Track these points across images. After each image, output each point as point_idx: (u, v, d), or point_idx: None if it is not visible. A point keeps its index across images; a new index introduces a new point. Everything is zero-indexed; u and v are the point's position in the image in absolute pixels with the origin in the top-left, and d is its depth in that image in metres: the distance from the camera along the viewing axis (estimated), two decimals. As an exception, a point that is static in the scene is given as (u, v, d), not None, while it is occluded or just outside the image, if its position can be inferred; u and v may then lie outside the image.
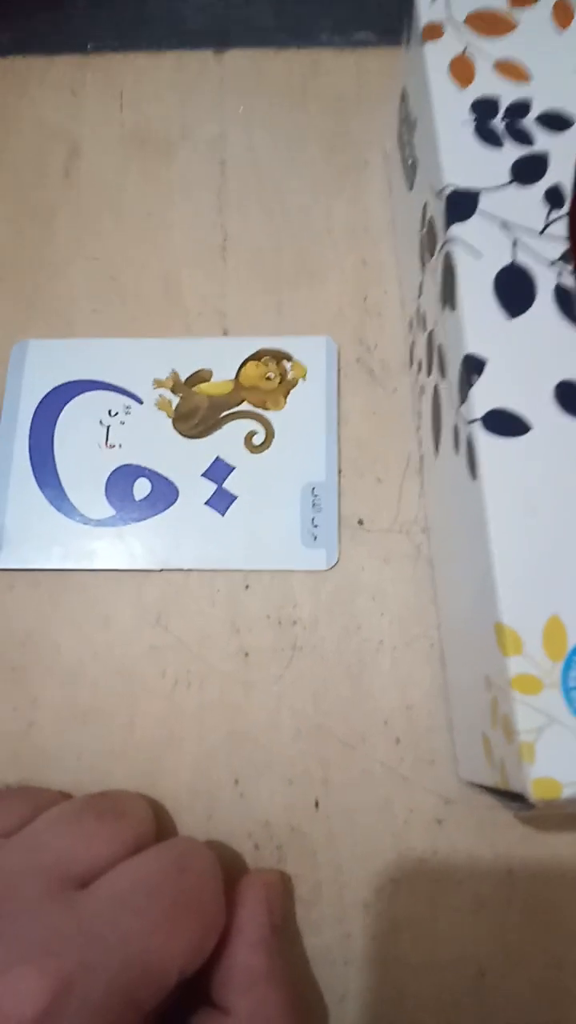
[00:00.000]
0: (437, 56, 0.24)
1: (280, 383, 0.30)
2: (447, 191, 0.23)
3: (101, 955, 0.19)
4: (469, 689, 0.22)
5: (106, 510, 0.29)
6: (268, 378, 0.30)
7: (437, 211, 0.24)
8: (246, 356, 0.30)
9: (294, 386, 0.30)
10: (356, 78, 0.35)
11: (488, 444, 0.20)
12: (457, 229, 0.22)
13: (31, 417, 0.30)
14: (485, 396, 0.20)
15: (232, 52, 0.36)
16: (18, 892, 0.20)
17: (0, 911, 0.19)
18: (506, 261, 0.22)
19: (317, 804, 0.25)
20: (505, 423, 0.20)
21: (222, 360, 0.31)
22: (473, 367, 0.21)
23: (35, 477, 0.29)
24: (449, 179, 0.23)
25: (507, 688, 0.18)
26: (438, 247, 0.24)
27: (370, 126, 0.34)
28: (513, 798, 0.20)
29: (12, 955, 0.18)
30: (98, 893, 0.20)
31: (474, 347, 0.21)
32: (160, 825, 0.25)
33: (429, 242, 0.25)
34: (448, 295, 0.22)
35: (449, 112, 0.24)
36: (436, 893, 0.25)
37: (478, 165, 0.23)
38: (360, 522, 0.28)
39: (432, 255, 0.24)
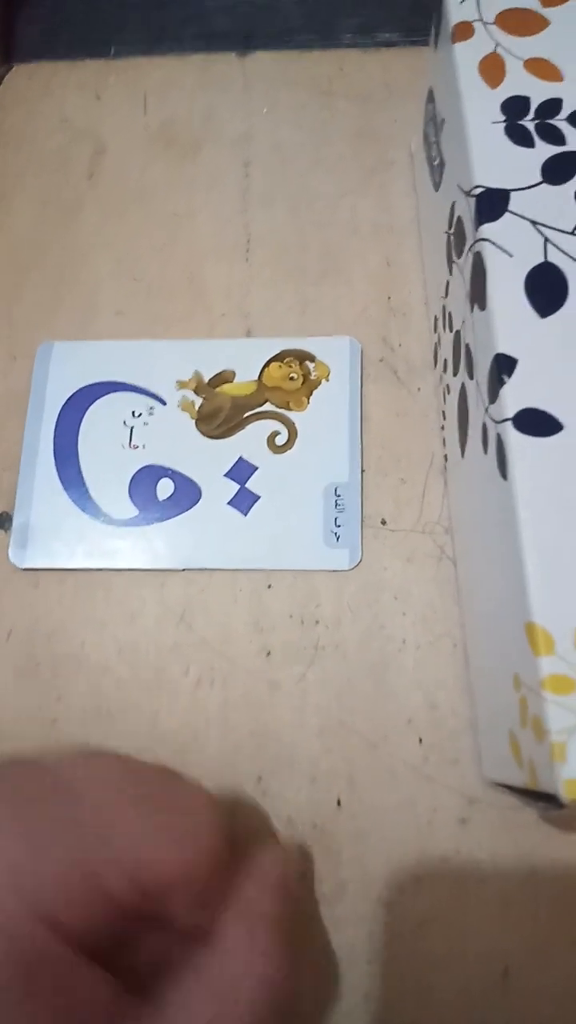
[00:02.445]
0: (467, 55, 0.24)
1: (303, 383, 0.30)
2: (477, 191, 0.23)
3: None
4: (496, 689, 0.22)
5: (130, 510, 0.29)
6: (291, 378, 0.30)
7: (466, 211, 0.24)
8: (269, 357, 0.31)
9: (317, 386, 0.30)
10: (382, 78, 0.35)
11: (519, 443, 0.20)
12: (488, 229, 0.22)
13: (56, 418, 0.30)
14: (516, 395, 0.20)
15: (257, 54, 0.36)
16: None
17: None
18: (537, 260, 0.22)
19: (340, 802, 0.26)
20: (537, 422, 0.20)
21: (245, 361, 0.31)
22: (504, 366, 0.21)
23: (60, 477, 0.30)
24: (480, 179, 0.23)
25: (538, 688, 0.18)
26: (467, 247, 0.24)
27: (395, 126, 0.34)
28: (541, 798, 0.20)
29: None
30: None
31: (505, 346, 0.21)
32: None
33: (457, 242, 0.25)
34: (478, 294, 0.22)
35: (479, 112, 0.24)
36: (460, 891, 0.25)
37: (509, 165, 0.23)
38: (383, 522, 0.28)
39: (460, 255, 0.24)
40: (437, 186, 0.28)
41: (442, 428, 0.29)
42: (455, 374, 0.26)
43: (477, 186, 0.23)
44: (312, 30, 0.37)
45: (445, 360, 0.28)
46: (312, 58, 0.36)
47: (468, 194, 0.23)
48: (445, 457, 0.28)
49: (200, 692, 0.27)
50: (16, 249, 0.33)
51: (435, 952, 0.24)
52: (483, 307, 0.22)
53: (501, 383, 0.21)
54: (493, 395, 0.21)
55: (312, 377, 0.30)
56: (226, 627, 0.28)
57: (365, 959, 0.24)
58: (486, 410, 0.22)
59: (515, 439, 0.20)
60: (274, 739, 0.26)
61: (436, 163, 0.28)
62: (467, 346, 0.24)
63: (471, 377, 0.24)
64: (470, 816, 0.25)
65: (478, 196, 0.23)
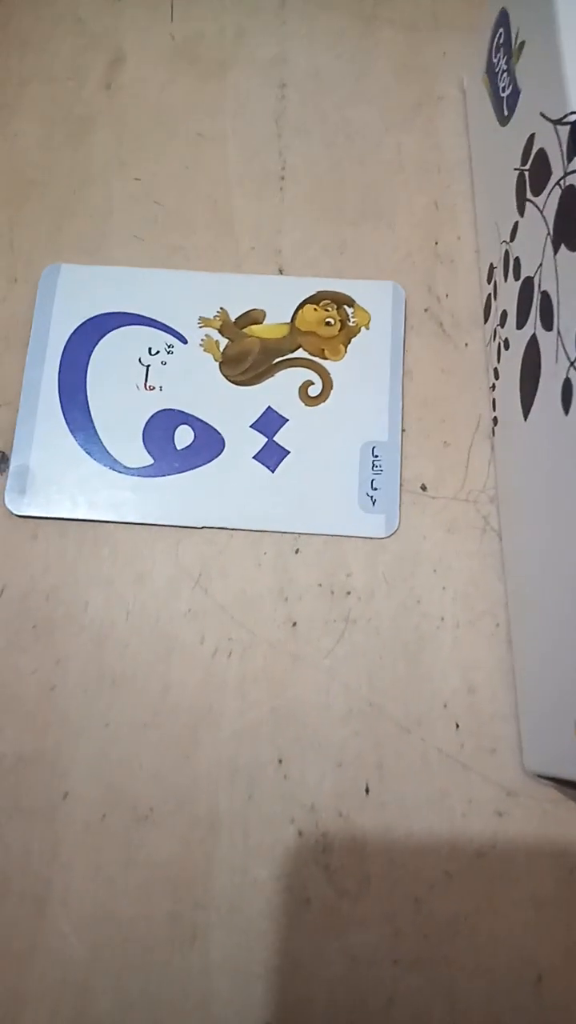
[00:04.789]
0: (563, -35, 0.22)
1: (341, 330, 0.27)
2: (572, 118, 0.20)
3: None
4: (558, 675, 0.20)
5: (143, 458, 0.26)
6: (328, 323, 0.27)
7: (553, 142, 0.21)
8: (304, 298, 0.28)
9: (356, 334, 0.27)
10: (431, 5, 0.32)
11: (621, 401, 0.17)
12: (584, 160, 0.20)
13: (61, 350, 0.27)
14: (617, 347, 0.18)
15: (296, -35, 0.33)
16: None
17: None
18: None
19: (368, 790, 0.23)
20: None
21: (277, 300, 0.28)
22: (602, 314, 0.18)
23: (65, 418, 0.26)
24: (575, 105, 0.20)
25: None
26: (552, 182, 0.21)
27: (444, 59, 0.31)
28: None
29: None
30: None
31: (605, 291, 0.18)
32: (195, 802, 0.23)
33: (536, 178, 0.22)
34: (568, 233, 0.20)
35: (575, 31, 0.21)
36: (493, 890, 0.23)
37: (607, 91, 0.20)
38: (423, 488, 0.26)
39: (541, 192, 0.22)
40: (505, 120, 0.25)
41: (492, 388, 0.26)
42: (520, 327, 0.23)
43: (572, 112, 0.20)
44: (357, -53, 0.34)
45: (504, 312, 0.25)
46: (356, -22, 0.33)
47: (559, 122, 0.21)
48: (494, 420, 0.26)
49: (216, 663, 0.24)
50: (21, 162, 0.30)
51: (465, 955, 0.22)
52: (575, 247, 0.19)
53: (598, 332, 0.18)
54: (585, 346, 0.19)
55: (351, 324, 0.27)
56: (247, 594, 0.25)
57: (390, 960, 0.22)
58: (572, 364, 0.19)
59: (614, 396, 0.18)
60: (297, 719, 0.24)
61: (507, 93, 0.25)
62: (544, 294, 0.21)
63: (548, 328, 0.21)
64: (507, 810, 0.23)
65: (573, 124, 0.20)
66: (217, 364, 0.27)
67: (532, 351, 0.22)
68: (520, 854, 0.23)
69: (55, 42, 0.32)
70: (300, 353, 0.27)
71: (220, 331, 0.27)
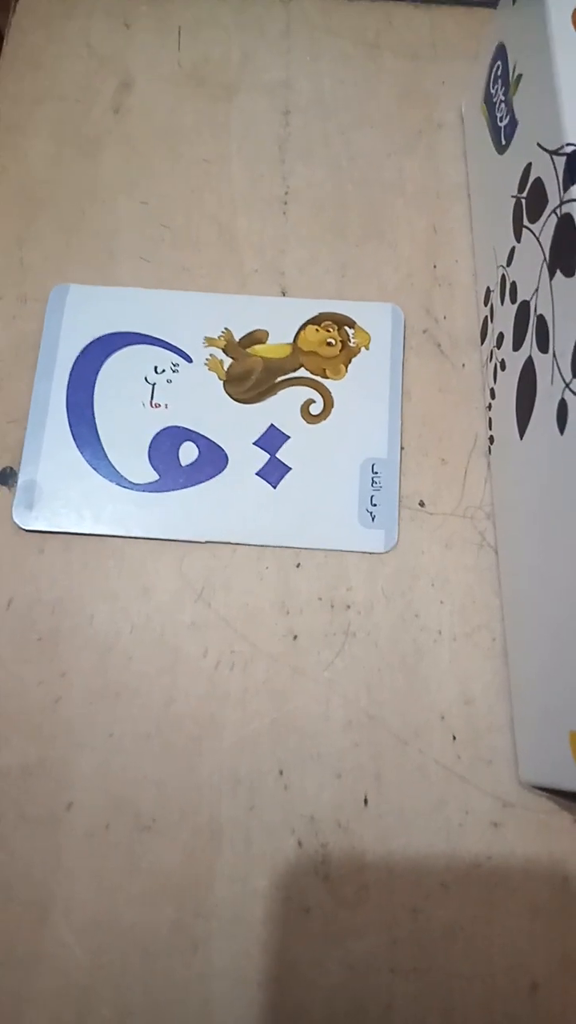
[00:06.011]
0: (560, 5, 0.22)
1: (341, 350, 0.28)
2: (568, 148, 0.21)
3: None
4: (553, 687, 0.21)
5: (149, 474, 0.27)
6: (329, 344, 0.28)
7: (549, 171, 0.22)
8: (306, 319, 0.28)
9: (356, 354, 0.28)
10: (430, 36, 0.33)
11: (613, 424, 0.18)
12: (579, 190, 0.20)
13: (69, 369, 0.28)
14: (610, 372, 0.19)
15: (300, -5, 0.34)
16: None
17: None
18: (633, 228, 0.20)
19: (366, 801, 0.24)
20: (632, 402, 0.18)
21: (280, 321, 0.28)
22: (596, 340, 0.19)
23: (72, 434, 0.27)
24: (571, 136, 0.21)
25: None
26: (548, 210, 0.22)
27: (444, 87, 0.32)
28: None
29: None
30: None
31: (598, 318, 0.19)
32: (197, 812, 0.23)
33: (533, 206, 0.23)
34: (563, 260, 0.21)
35: (571, 65, 0.22)
36: (490, 899, 0.23)
37: (601, 124, 0.21)
38: (422, 504, 0.27)
39: (537, 219, 0.23)
40: (503, 148, 0.26)
41: (488, 408, 0.27)
42: (516, 348, 0.24)
43: (568, 144, 0.21)
44: (360, -23, 0.35)
45: (500, 334, 0.26)
46: (359, 8, 0.34)
47: (555, 153, 0.21)
48: (491, 438, 0.27)
49: (219, 675, 0.25)
50: (30, 181, 0.31)
51: (461, 963, 0.23)
52: (570, 273, 0.20)
53: (592, 357, 0.19)
54: (579, 370, 0.19)
55: (351, 344, 0.28)
56: (249, 607, 0.26)
57: (388, 968, 0.23)
58: (567, 386, 0.20)
59: (607, 419, 0.18)
60: (297, 730, 0.24)
61: (504, 123, 0.26)
62: (540, 317, 0.22)
63: (544, 351, 0.22)
64: (503, 820, 0.24)
65: (569, 155, 0.21)
66: (221, 383, 0.28)
67: (528, 372, 0.23)
68: (516, 864, 0.23)
69: (66, 65, 0.33)
70: (302, 372, 0.28)
71: (224, 350, 0.28)
